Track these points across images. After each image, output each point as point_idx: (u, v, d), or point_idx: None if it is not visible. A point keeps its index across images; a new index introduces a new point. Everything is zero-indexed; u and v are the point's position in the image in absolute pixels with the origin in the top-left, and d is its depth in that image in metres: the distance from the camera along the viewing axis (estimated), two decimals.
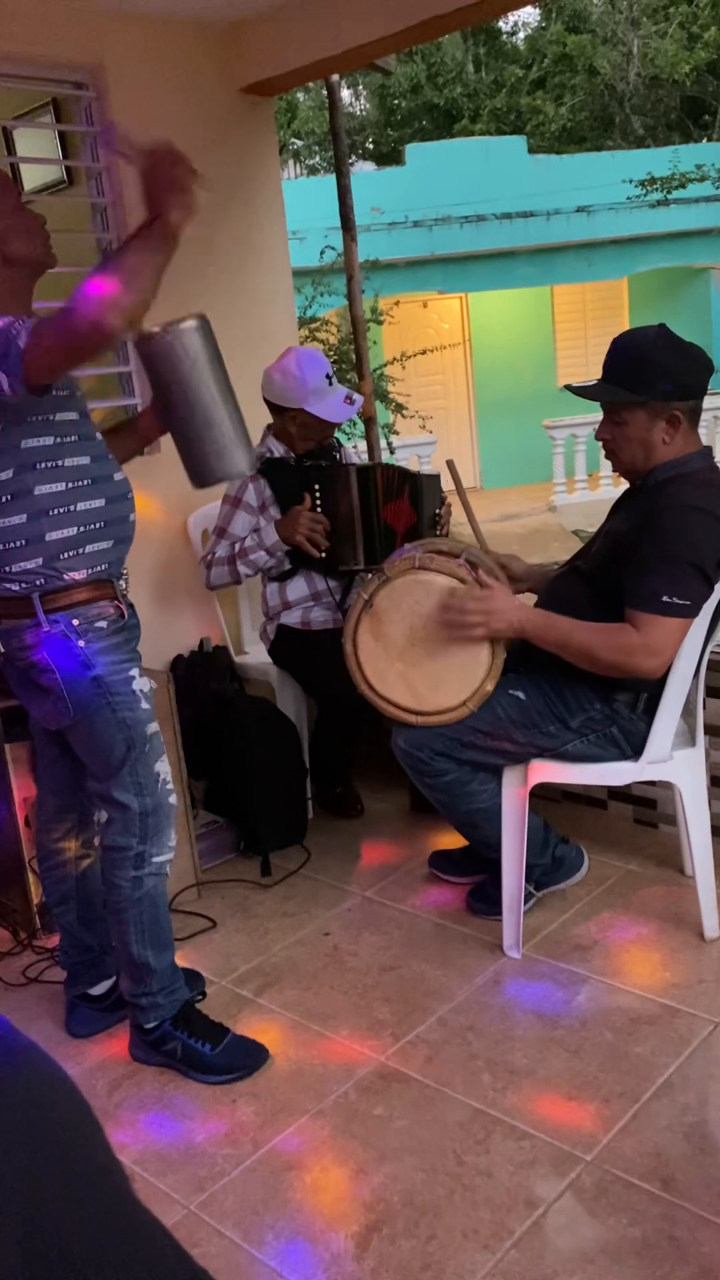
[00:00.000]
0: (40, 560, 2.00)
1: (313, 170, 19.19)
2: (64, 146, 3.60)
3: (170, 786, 2.20)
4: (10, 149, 3.70)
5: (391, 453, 8.08)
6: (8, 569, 2.01)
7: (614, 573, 2.31)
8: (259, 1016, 2.39)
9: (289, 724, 3.23)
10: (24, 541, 1.99)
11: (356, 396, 3.16)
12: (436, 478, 3.07)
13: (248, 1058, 2.22)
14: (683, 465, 2.30)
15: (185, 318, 2.05)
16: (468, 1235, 1.74)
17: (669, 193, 12.51)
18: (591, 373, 2.44)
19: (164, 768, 2.18)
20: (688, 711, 2.47)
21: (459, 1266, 1.68)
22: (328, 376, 3.10)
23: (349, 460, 3.30)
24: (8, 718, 2.64)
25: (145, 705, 2.13)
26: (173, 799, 2.21)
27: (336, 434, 3.37)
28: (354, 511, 3.05)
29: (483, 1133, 1.96)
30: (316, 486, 3.07)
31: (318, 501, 3.06)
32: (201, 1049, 2.21)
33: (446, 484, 3.08)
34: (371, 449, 4.36)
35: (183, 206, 1.84)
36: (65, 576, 2.02)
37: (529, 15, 20.49)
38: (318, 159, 19.30)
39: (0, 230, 1.97)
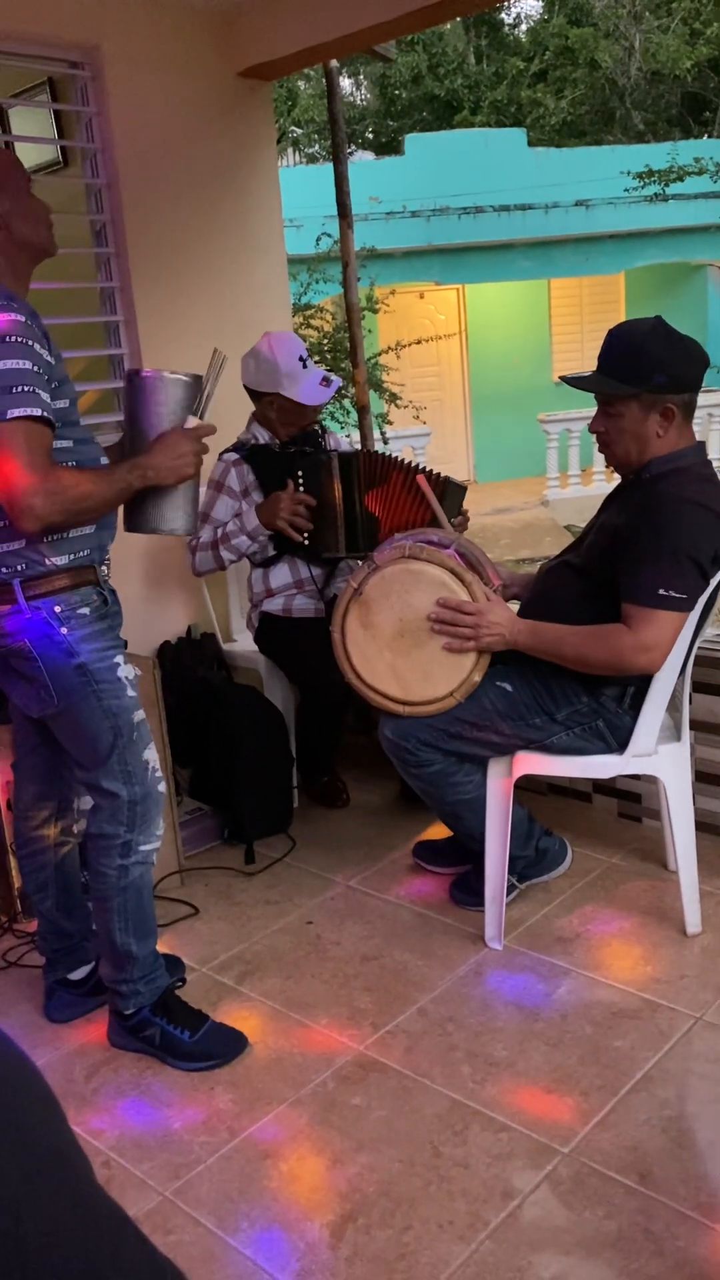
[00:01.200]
0: (21, 544, 1.97)
1: (312, 159, 19.11)
2: (59, 126, 3.57)
3: (159, 774, 2.19)
4: (5, 127, 3.67)
5: (385, 443, 8.05)
6: None
7: (608, 566, 2.30)
8: (239, 1004, 2.38)
9: (275, 712, 3.22)
10: (4, 524, 1.96)
11: (334, 378, 3.13)
12: (463, 488, 3.05)
13: (226, 1046, 2.22)
14: (677, 459, 2.29)
15: (177, 372, 2.11)
16: (443, 1226, 1.74)
17: (666, 186, 12.48)
18: (587, 367, 2.43)
19: (152, 755, 2.16)
20: (673, 706, 2.47)
21: (434, 1257, 1.68)
22: (301, 359, 3.07)
23: (335, 447, 3.28)
24: None
25: (131, 693, 2.11)
26: (161, 787, 2.19)
27: (326, 421, 3.35)
28: (336, 498, 3.03)
29: (461, 1124, 1.96)
30: (300, 473, 3.05)
31: (300, 487, 3.05)
32: (180, 1036, 2.20)
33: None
34: (365, 438, 4.35)
35: (177, 480, 2.05)
36: (47, 562, 2.00)
37: (531, 7, 20.48)
38: (317, 147, 19.22)
39: (8, 209, 1.97)
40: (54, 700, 2.05)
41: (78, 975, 2.41)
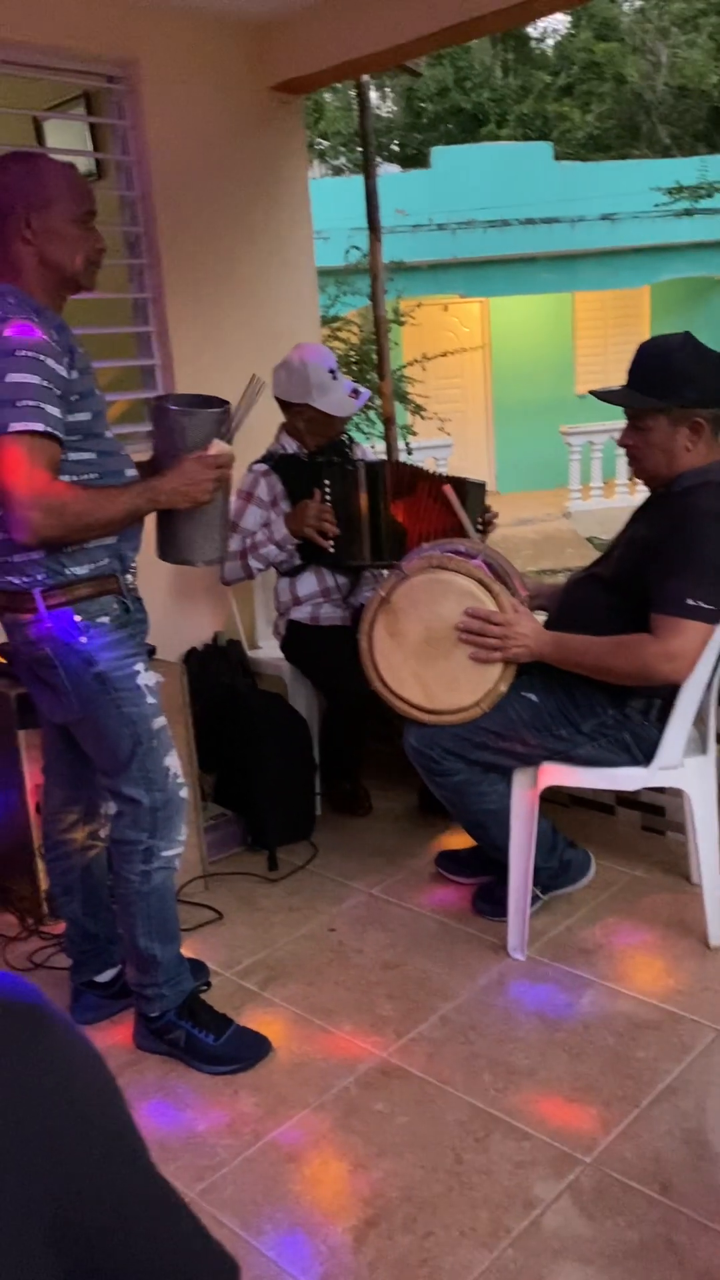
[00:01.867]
0: (42, 554, 1.98)
1: (337, 171, 19.20)
2: (95, 139, 3.62)
3: (181, 780, 2.20)
4: (41, 140, 3.72)
5: (409, 454, 8.08)
6: (10, 560, 2.00)
7: (636, 580, 2.31)
8: (262, 1009, 2.40)
9: (299, 719, 3.24)
10: None
11: (363, 390, 3.16)
12: (482, 485, 3.07)
13: (250, 1049, 2.23)
14: (708, 473, 2.30)
15: (212, 400, 2.13)
16: (465, 1233, 1.75)
17: (696, 200, 12.49)
18: (611, 381, 2.45)
19: (173, 761, 2.18)
20: (699, 719, 2.47)
21: (456, 1264, 1.69)
22: (331, 371, 3.11)
23: (362, 457, 3.31)
24: (21, 705, 2.66)
25: (151, 700, 2.12)
26: (183, 793, 2.21)
27: (353, 432, 3.38)
28: (363, 507, 3.05)
29: (482, 1131, 1.97)
30: (326, 482, 3.08)
31: (327, 497, 3.07)
32: (205, 1039, 2.21)
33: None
34: (390, 449, 4.37)
35: (190, 504, 2.06)
36: (67, 571, 2.01)
37: (558, 22, 20.50)
38: (343, 160, 19.32)
39: (43, 228, 1.97)
40: (75, 707, 2.07)
41: (104, 978, 2.43)
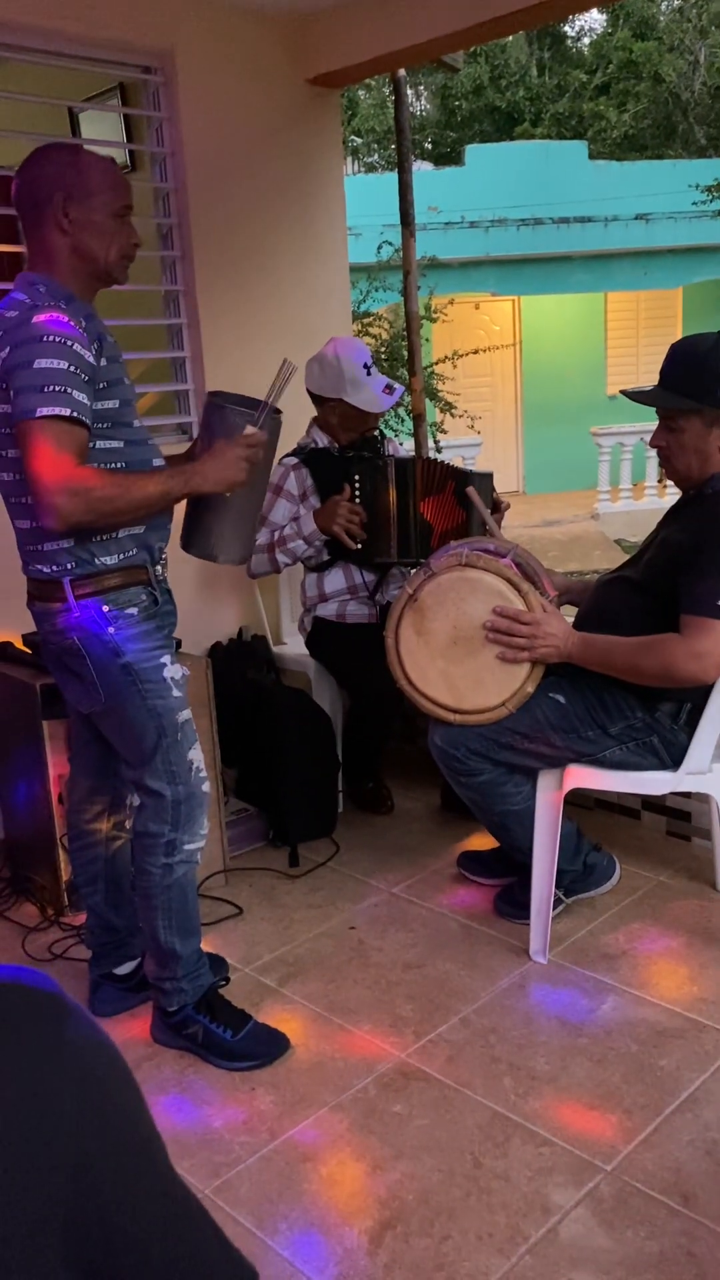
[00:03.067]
0: (71, 542, 1.98)
1: (370, 168, 19.18)
2: (129, 131, 3.62)
3: (204, 774, 2.19)
4: (75, 131, 3.73)
5: (439, 452, 8.06)
6: (39, 548, 2.00)
7: (667, 582, 2.28)
8: (281, 1006, 2.38)
9: (323, 716, 3.23)
10: None
11: (397, 386, 3.14)
12: (489, 476, 3.05)
13: (268, 1046, 2.22)
14: None
15: (267, 404, 2.13)
16: (482, 1238, 1.73)
17: None
18: (642, 382, 2.42)
19: (197, 755, 2.17)
20: None
21: (473, 1269, 1.67)
22: (366, 366, 3.08)
23: (393, 453, 3.29)
24: (46, 695, 2.66)
25: (177, 693, 2.11)
26: (205, 787, 2.20)
27: (384, 428, 3.36)
28: (391, 504, 3.03)
29: (502, 1136, 1.94)
30: (356, 477, 3.06)
31: (356, 492, 3.05)
32: (222, 1034, 2.20)
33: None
34: (419, 446, 4.35)
35: (225, 488, 2.04)
36: (97, 561, 2.00)
37: (595, 20, 20.40)
38: (376, 156, 19.29)
39: (79, 218, 1.97)
40: (101, 698, 2.07)
41: (124, 970, 2.42)
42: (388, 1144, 1.94)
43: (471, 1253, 1.70)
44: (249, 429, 2.07)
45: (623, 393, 2.41)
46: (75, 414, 1.86)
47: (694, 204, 12.71)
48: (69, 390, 1.86)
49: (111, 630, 2.02)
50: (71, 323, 1.90)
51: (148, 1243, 0.55)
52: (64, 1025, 0.58)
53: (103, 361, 1.97)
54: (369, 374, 3.08)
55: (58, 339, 1.87)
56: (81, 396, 1.88)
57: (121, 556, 2.03)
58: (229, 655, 3.41)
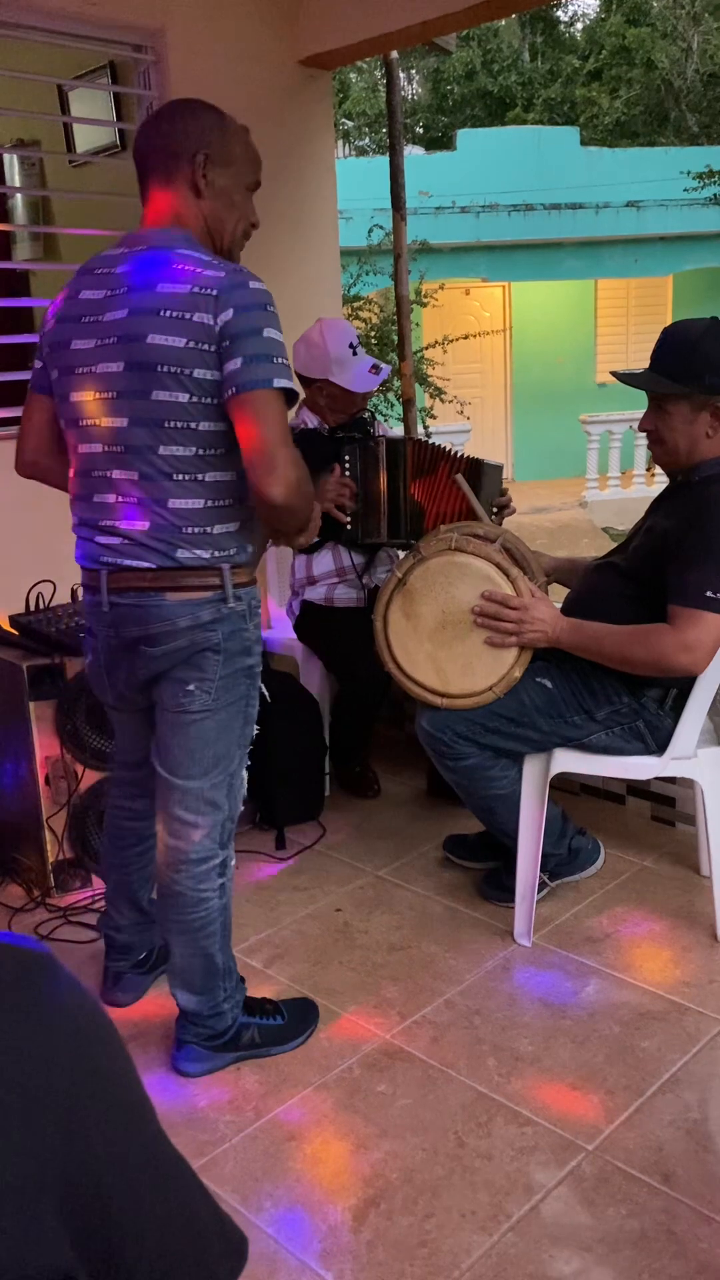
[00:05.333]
0: (238, 524, 1.86)
1: (362, 151, 19.10)
2: (119, 110, 3.60)
3: (245, 790, 2.07)
4: (65, 109, 3.70)
5: (428, 437, 8.05)
6: (207, 530, 1.83)
7: (655, 569, 2.29)
8: (267, 988, 2.39)
9: (311, 700, 3.23)
10: (231, 500, 1.85)
11: (383, 366, 3.13)
12: (499, 468, 3.05)
13: (310, 1012, 2.23)
14: None
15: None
16: (465, 1216, 1.74)
17: None
18: (632, 368, 2.43)
19: (245, 771, 2.05)
20: (715, 710, 2.45)
21: (455, 1246, 1.68)
22: (352, 346, 3.07)
23: (383, 434, 3.28)
24: (34, 676, 2.65)
25: (257, 706, 2.02)
26: (241, 807, 2.08)
27: (374, 410, 3.36)
28: (382, 484, 3.03)
29: (485, 1116, 1.96)
30: (346, 458, 3.06)
31: (347, 472, 3.05)
32: (275, 1023, 2.16)
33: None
34: (409, 430, 4.35)
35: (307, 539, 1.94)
36: (248, 549, 1.89)
37: (588, 6, 20.35)
38: (368, 140, 19.21)
39: (220, 183, 1.88)
40: (211, 700, 1.90)
41: (141, 955, 2.38)
42: (372, 1123, 1.96)
43: (454, 1230, 1.71)
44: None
45: (613, 374, 2.42)
46: (292, 385, 1.79)
47: (685, 191, 12.71)
48: (287, 362, 1.78)
49: (252, 625, 1.91)
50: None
51: (140, 1205, 0.56)
52: (55, 986, 0.59)
53: None
54: (355, 354, 3.07)
55: (274, 310, 1.79)
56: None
57: (252, 550, 1.93)
58: None
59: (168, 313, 1.76)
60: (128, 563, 1.86)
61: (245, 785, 2.06)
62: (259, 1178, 1.85)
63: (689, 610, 2.20)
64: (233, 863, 2.09)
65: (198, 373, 1.77)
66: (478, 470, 2.90)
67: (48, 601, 2.93)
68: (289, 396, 1.78)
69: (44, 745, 2.70)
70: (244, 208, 1.94)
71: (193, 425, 1.79)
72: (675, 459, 2.34)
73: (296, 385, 1.82)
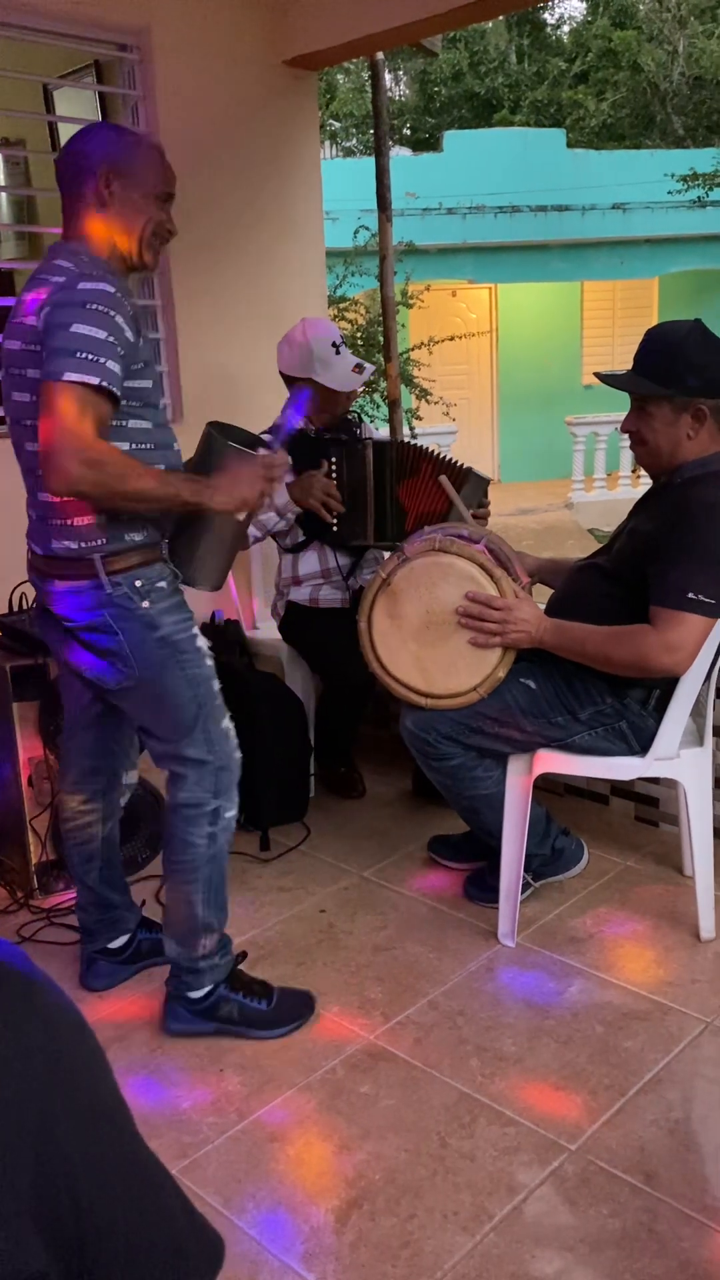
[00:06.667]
0: (104, 518, 1.96)
1: (349, 152, 19.10)
2: (104, 109, 3.59)
3: (235, 741, 2.20)
4: (50, 108, 3.69)
5: (414, 439, 8.06)
6: (69, 522, 1.97)
7: (637, 570, 2.30)
8: None
9: (296, 701, 3.23)
10: None
11: (366, 365, 3.13)
12: (486, 480, 3.05)
13: (302, 1005, 2.26)
14: (710, 464, 2.29)
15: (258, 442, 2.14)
16: (448, 1216, 1.74)
17: (709, 190, 12.43)
18: (618, 370, 2.44)
19: (229, 723, 2.18)
20: (697, 711, 2.47)
21: (437, 1247, 1.68)
22: (335, 345, 3.07)
23: (369, 436, 3.28)
24: (17, 677, 2.64)
25: (209, 662, 2.13)
26: (238, 754, 2.20)
27: (360, 414, 3.35)
28: (369, 486, 3.03)
29: (468, 1116, 1.96)
30: (333, 458, 3.05)
31: (333, 473, 3.05)
32: (258, 1006, 2.22)
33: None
34: (394, 432, 4.35)
35: (236, 507, 2.03)
36: (125, 537, 1.99)
37: (575, 9, 20.41)
38: (355, 141, 19.21)
39: (119, 194, 1.97)
40: (135, 673, 2.05)
41: (117, 944, 2.44)
42: (355, 1124, 1.96)
43: (436, 1231, 1.71)
44: (276, 452, 2.07)
45: (596, 375, 2.42)
46: (105, 383, 1.83)
47: (669, 193, 12.75)
48: (102, 360, 1.83)
49: (146, 605, 2.01)
50: (118, 294, 1.90)
51: (113, 1208, 0.56)
52: (30, 992, 0.58)
53: (140, 340, 1.96)
54: (338, 353, 3.07)
55: (101, 308, 1.85)
56: (115, 367, 1.85)
57: (145, 534, 2.03)
58: None
59: (20, 319, 1.95)
60: (32, 546, 2.09)
61: (232, 740, 2.18)
62: (241, 1179, 1.85)
63: (670, 611, 2.20)
64: (229, 815, 2.18)
65: (30, 372, 1.93)
66: (464, 480, 2.90)
67: (30, 602, 2.92)
68: (100, 392, 1.83)
69: (27, 746, 2.69)
70: (150, 214, 2.03)
71: (37, 421, 1.89)
72: (657, 460, 2.35)
73: (105, 379, 1.83)
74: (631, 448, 2.40)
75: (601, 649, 2.30)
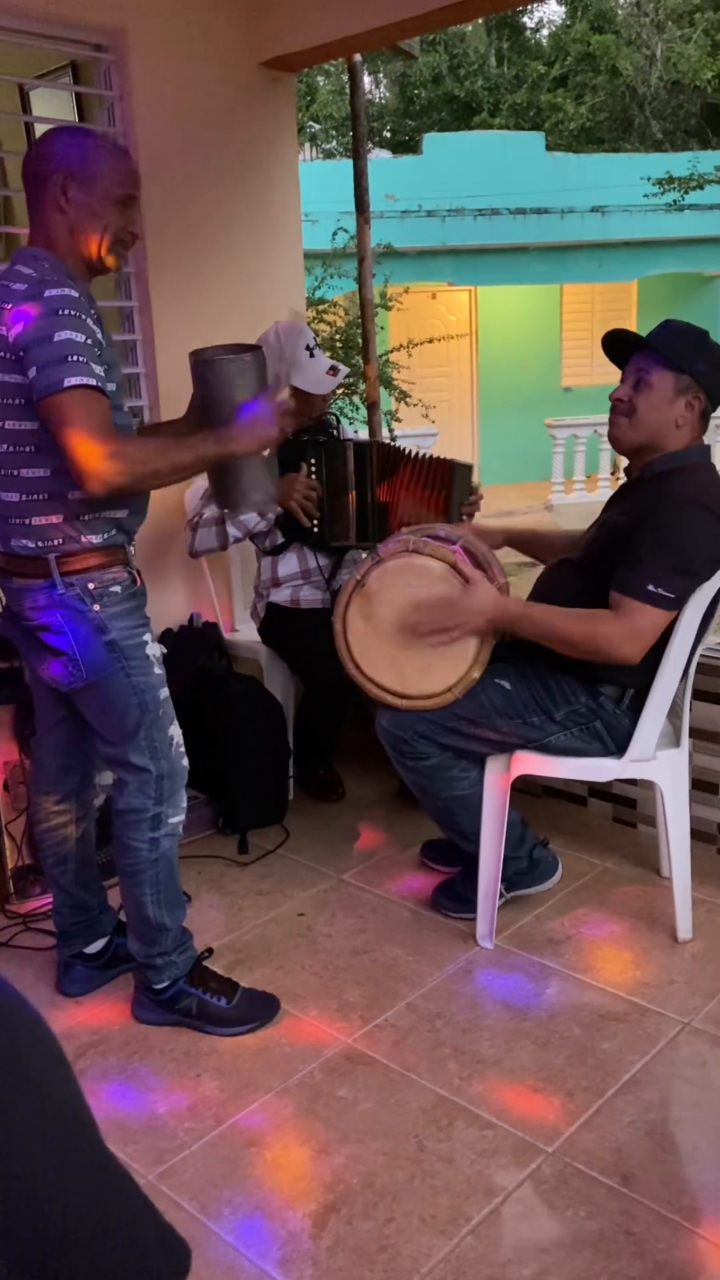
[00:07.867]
0: (60, 517, 1.99)
1: (329, 155, 19.09)
2: (80, 110, 3.57)
3: (182, 749, 2.22)
4: (26, 109, 3.67)
5: (394, 441, 8.05)
6: (26, 522, 1.99)
7: (607, 563, 2.30)
8: None
9: (275, 703, 3.22)
10: (45, 495, 1.98)
11: (341, 367, 3.12)
12: (469, 468, 3.05)
13: (262, 1008, 2.27)
14: (683, 459, 2.31)
15: (245, 349, 2.14)
16: (425, 1220, 1.74)
17: (685, 193, 12.49)
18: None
19: (176, 732, 2.20)
20: (673, 713, 2.47)
21: (415, 1251, 1.68)
22: (308, 348, 3.07)
23: (348, 438, 3.28)
24: None
25: (158, 670, 2.14)
26: (184, 762, 2.23)
27: (340, 417, 3.35)
28: (348, 487, 3.03)
29: (446, 1120, 1.96)
30: (313, 459, 3.05)
31: (313, 475, 3.04)
32: (217, 1003, 2.24)
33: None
34: (373, 434, 4.35)
35: (260, 447, 2.07)
36: (83, 539, 2.01)
37: (554, 13, 20.48)
38: (335, 143, 19.21)
39: (77, 199, 1.99)
40: (82, 674, 2.07)
41: (94, 949, 2.43)
42: (333, 1128, 1.95)
43: (414, 1235, 1.71)
44: (283, 393, 2.08)
45: (613, 331, 2.38)
46: (98, 384, 1.88)
47: (646, 196, 12.81)
48: (89, 362, 1.88)
49: (96, 608, 2.04)
50: (81, 298, 1.93)
51: (77, 1215, 0.55)
52: None
53: (105, 342, 1.99)
54: (311, 355, 3.07)
55: (72, 313, 1.89)
56: (99, 369, 1.90)
57: (105, 536, 2.05)
58: (180, 642, 3.39)
59: None
60: None
61: (179, 748, 2.20)
62: (218, 1185, 1.84)
63: (629, 600, 2.21)
64: (173, 820, 2.20)
65: (11, 378, 1.92)
66: (450, 473, 2.91)
67: (4, 605, 2.90)
68: (98, 390, 1.88)
69: (2, 750, 2.67)
70: (110, 219, 2.04)
71: (4, 424, 1.96)
72: (638, 434, 2.31)
73: (96, 380, 1.88)
74: (612, 419, 2.35)
75: (562, 628, 2.29)
